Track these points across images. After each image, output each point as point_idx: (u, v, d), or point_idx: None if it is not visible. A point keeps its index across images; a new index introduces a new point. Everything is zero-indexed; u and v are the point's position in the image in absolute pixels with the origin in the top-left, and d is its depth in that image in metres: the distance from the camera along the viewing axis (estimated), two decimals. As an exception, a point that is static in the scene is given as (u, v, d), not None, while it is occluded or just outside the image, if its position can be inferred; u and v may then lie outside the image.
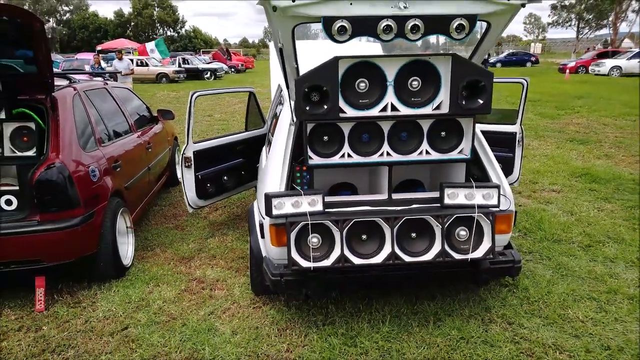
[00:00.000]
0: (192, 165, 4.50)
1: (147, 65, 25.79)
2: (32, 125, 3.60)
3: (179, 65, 28.11)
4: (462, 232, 2.97)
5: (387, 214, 2.93)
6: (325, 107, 2.86)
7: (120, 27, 66.54)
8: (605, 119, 11.27)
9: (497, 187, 3.01)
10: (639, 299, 3.48)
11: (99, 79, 5.10)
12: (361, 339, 3.05)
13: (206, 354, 2.95)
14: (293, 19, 2.78)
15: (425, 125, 3.06)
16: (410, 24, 2.74)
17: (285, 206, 2.93)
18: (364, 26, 2.74)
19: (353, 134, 3.03)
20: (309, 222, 2.83)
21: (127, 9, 69.51)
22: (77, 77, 4.57)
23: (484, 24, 3.01)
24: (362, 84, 2.92)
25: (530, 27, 78.55)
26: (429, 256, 2.92)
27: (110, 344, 3.08)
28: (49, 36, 67.01)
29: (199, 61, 31.08)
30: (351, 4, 2.67)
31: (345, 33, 2.75)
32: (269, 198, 2.91)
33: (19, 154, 3.60)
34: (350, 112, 2.94)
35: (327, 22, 2.72)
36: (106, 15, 76.78)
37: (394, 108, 2.96)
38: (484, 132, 5.18)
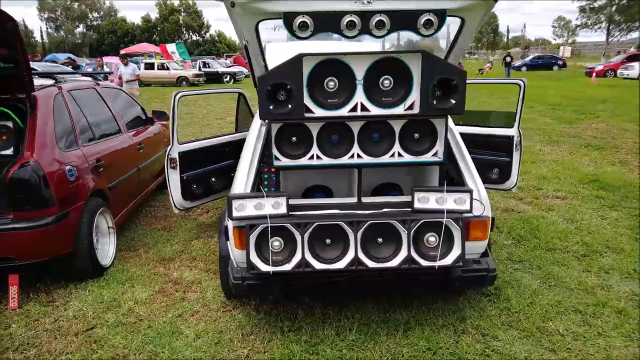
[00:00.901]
0: (178, 167, 4.47)
1: (168, 68, 26.18)
2: (10, 124, 3.62)
3: (199, 69, 28.47)
4: (432, 239, 2.84)
5: (351, 217, 2.82)
6: (290, 106, 2.77)
7: (147, 32, 67.87)
8: (627, 124, 10.85)
9: (470, 191, 2.87)
10: None
11: (88, 79, 5.13)
12: (324, 347, 2.94)
13: (164, 358, 2.90)
14: (253, 15, 2.72)
15: (397, 126, 2.95)
16: (375, 19, 2.66)
17: (247, 208, 2.86)
18: (326, 22, 2.66)
19: (322, 134, 2.95)
20: (269, 224, 2.75)
21: (154, 15, 70.91)
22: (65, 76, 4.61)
23: (458, 20, 2.89)
24: (331, 83, 2.83)
25: (559, 30, 76.87)
26: (394, 262, 2.80)
27: (74, 344, 3.06)
28: (79, 41, 69.23)
29: (219, 65, 31.41)
30: None
31: (306, 29, 2.67)
32: (229, 199, 2.84)
33: None
34: (318, 112, 2.85)
35: (288, 18, 2.65)
36: (134, 20, 78.52)
37: (364, 108, 2.86)
38: (479, 136, 5.08)
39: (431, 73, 2.74)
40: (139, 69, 14.47)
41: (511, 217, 5.10)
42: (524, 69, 37.96)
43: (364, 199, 3.11)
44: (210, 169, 4.73)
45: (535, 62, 38.83)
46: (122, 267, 4.10)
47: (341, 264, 2.79)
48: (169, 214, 5.45)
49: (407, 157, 2.98)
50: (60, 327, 3.24)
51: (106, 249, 4.21)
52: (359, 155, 2.97)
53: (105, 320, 3.31)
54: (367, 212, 2.96)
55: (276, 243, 2.79)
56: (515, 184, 4.82)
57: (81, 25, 71.18)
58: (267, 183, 3.23)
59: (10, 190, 3.36)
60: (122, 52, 38.76)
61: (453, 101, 2.80)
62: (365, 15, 2.63)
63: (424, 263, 2.80)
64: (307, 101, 2.83)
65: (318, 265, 2.79)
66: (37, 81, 4.24)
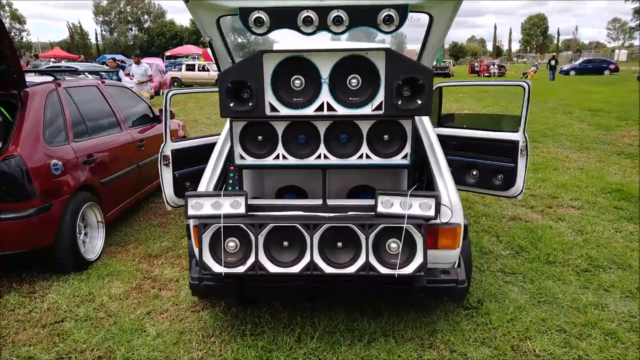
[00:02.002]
0: (170, 164, 4.49)
1: (207, 70, 26.73)
2: (1, 119, 3.73)
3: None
4: (393, 245, 2.68)
5: (308, 219, 2.71)
6: (251, 104, 2.70)
7: (195, 34, 69.70)
8: (670, 132, 10.16)
9: (435, 196, 2.70)
10: None
11: (93, 76, 5.24)
12: (279, 354, 2.84)
13: (119, 355, 2.88)
14: (210, 10, 2.67)
15: (365, 127, 2.81)
16: (332, 15, 2.56)
17: (204, 207, 2.80)
18: (282, 18, 2.59)
19: (288, 134, 2.85)
20: (222, 224, 2.68)
21: (202, 17, 72.69)
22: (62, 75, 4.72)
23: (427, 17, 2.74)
24: (297, 81, 2.73)
25: (614, 32, 73.30)
26: (352, 269, 2.67)
27: (38, 335, 3.09)
28: (131, 43, 72.02)
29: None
30: None
31: (262, 25, 2.61)
32: (186, 198, 2.79)
33: None
34: (283, 110, 2.75)
35: (244, 14, 2.59)
36: (182, 23, 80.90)
37: (330, 108, 2.74)
38: (482, 140, 4.84)
39: (395, 72, 2.60)
40: (183, 68, 13.11)
41: (515, 226, 4.83)
42: (572, 73, 36.44)
43: (331, 201, 2.99)
44: (202, 167, 4.72)
45: (585, 66, 37.20)
46: (107, 262, 4.15)
47: (296, 268, 2.69)
48: (167, 210, 5.49)
49: (376, 160, 2.83)
50: (32, 319, 3.29)
51: (94, 242, 4.27)
52: (325, 156, 2.85)
53: (75, 314, 3.34)
54: (328, 214, 2.85)
55: (231, 244, 2.72)
56: (521, 191, 4.55)
57: (133, 28, 74.05)
58: (232, 182, 3.16)
59: (-9, 182, 3.46)
60: (167, 53, 39.98)
61: (419, 102, 2.64)
62: (322, 11, 2.53)
63: (383, 271, 2.65)
64: (272, 99, 2.74)
65: (272, 269, 2.70)
66: (37, 78, 4.38)
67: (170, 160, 4.47)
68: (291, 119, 2.79)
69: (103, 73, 6.40)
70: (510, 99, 15.88)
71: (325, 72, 2.69)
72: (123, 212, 4.97)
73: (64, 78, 4.54)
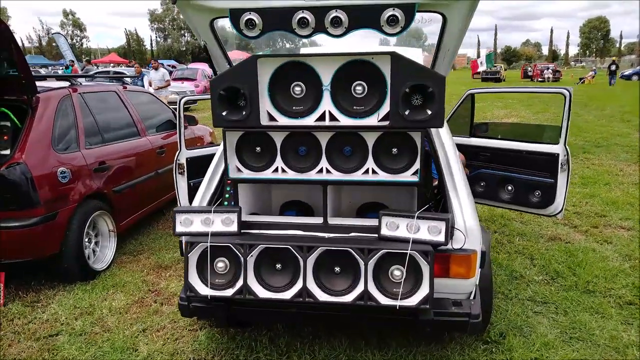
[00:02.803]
0: (185, 172, 4.37)
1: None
2: (9, 124, 3.71)
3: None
4: (397, 273, 2.40)
5: (301, 241, 2.46)
6: (244, 112, 2.49)
7: (239, 39, 70.97)
8: None
9: (446, 219, 2.38)
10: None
11: (115, 82, 5.21)
12: (268, 386, 2.61)
13: (103, 376, 2.74)
14: (201, 12, 2.48)
15: (371, 139, 2.54)
16: (330, 16, 2.31)
17: (194, 224, 2.61)
18: (275, 19, 2.37)
19: (287, 145, 2.62)
20: (209, 244, 2.48)
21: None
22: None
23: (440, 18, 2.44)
24: (298, 88, 2.51)
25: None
26: (349, 297, 2.40)
27: (30, 349, 3.00)
28: (183, 49, 74.23)
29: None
30: None
31: (254, 27, 2.40)
32: (173, 213, 2.61)
33: None
34: (282, 120, 2.54)
35: (234, 16, 2.38)
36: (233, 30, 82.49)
37: (333, 117, 2.50)
38: (519, 152, 4.43)
39: (402, 78, 2.32)
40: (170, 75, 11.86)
41: (553, 248, 4.37)
42: (635, 78, 34.34)
43: (333, 220, 2.72)
44: (218, 176, 4.57)
45: (649, 70, 34.92)
46: (115, 272, 4.06)
47: (288, 294, 2.45)
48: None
49: (382, 176, 2.55)
50: (28, 330, 3.21)
51: (105, 252, 4.20)
52: (328, 171, 2.60)
53: (72, 328, 3.23)
54: (327, 235, 2.59)
55: (220, 264, 2.52)
56: (561, 209, 4.13)
57: (186, 34, 76.25)
58: (228, 197, 2.96)
59: (-4, 189, 3.43)
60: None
61: (429, 112, 2.35)
62: (319, 12, 2.29)
63: (383, 301, 2.37)
64: (270, 107, 2.53)
65: (262, 293, 2.47)
66: (54, 84, 4.36)
67: (185, 169, 4.35)
68: (288, 129, 2.56)
69: (127, 79, 6.39)
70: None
71: (326, 78, 2.46)
72: (140, 220, 4.88)
73: (80, 84, 4.51)
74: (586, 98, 19.63)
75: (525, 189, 4.38)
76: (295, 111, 2.53)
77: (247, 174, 2.68)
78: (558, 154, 4.05)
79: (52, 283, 3.85)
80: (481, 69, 30.03)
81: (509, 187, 4.54)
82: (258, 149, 2.66)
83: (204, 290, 2.51)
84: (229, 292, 2.48)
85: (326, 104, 2.49)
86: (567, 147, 3.99)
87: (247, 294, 2.46)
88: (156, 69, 12.22)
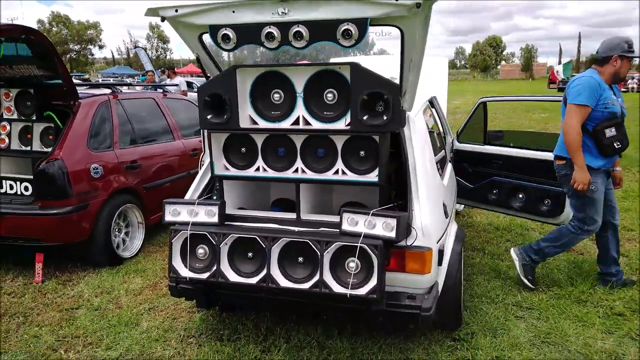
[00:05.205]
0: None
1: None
2: (53, 126, 4.30)
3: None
4: (352, 265, 2.61)
5: (267, 232, 2.74)
6: (225, 116, 2.83)
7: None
8: None
9: (397, 217, 2.57)
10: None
11: (154, 90, 5.76)
12: (239, 362, 2.89)
13: (105, 342, 3.15)
14: (190, 28, 2.84)
15: (339, 142, 2.80)
16: (293, 30, 2.58)
17: (181, 214, 2.97)
18: (247, 34, 2.67)
19: (267, 147, 2.93)
20: (189, 232, 2.82)
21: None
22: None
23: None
24: (277, 95, 2.82)
25: None
26: (307, 285, 2.65)
27: (52, 318, 3.49)
28: (258, 59, 77.01)
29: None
30: (234, 11, 2.63)
31: (229, 41, 2.71)
32: (163, 204, 2.98)
33: (44, 149, 4.33)
34: (261, 123, 2.86)
35: (213, 31, 2.72)
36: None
37: (306, 122, 2.78)
38: (528, 160, 4.43)
39: (360, 87, 2.57)
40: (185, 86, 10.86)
41: (561, 258, 4.31)
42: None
43: (306, 216, 2.99)
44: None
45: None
46: (140, 260, 4.53)
47: (254, 280, 2.73)
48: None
49: (351, 176, 2.80)
50: (55, 303, 3.72)
51: (134, 242, 4.69)
52: (302, 170, 2.88)
53: (91, 304, 3.70)
54: (298, 229, 2.85)
55: (201, 250, 2.85)
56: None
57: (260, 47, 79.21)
58: (217, 191, 3.29)
59: (36, 181, 4.00)
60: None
61: (384, 117, 2.56)
62: (283, 27, 2.57)
63: (336, 289, 2.59)
64: (251, 112, 2.86)
65: (233, 278, 2.77)
66: (97, 91, 4.95)
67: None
68: (265, 132, 2.86)
69: (169, 88, 6.99)
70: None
71: (299, 86, 2.74)
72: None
73: (121, 91, 5.07)
74: None
75: (534, 198, 4.37)
76: (274, 115, 2.83)
77: (233, 171, 3.01)
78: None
79: (85, 267, 4.38)
80: (559, 78, 28.92)
81: (520, 195, 4.55)
82: (243, 149, 2.98)
83: (184, 272, 2.85)
84: (204, 275, 2.80)
85: (299, 110, 2.76)
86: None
87: (220, 278, 2.77)
88: (171, 78, 11.60)
